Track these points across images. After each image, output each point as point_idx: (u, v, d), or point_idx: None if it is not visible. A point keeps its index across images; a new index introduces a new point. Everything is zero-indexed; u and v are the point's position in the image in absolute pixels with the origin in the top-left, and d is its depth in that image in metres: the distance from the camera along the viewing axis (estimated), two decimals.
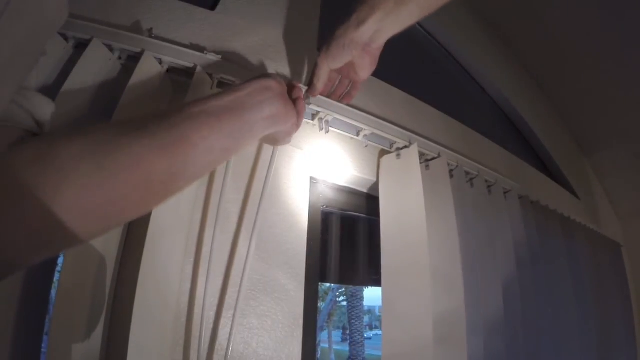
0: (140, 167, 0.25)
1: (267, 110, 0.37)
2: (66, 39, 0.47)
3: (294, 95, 0.43)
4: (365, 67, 0.50)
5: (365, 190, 0.76)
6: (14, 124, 0.25)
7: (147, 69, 0.48)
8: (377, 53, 0.49)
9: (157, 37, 0.51)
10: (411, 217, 0.62)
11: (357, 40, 0.45)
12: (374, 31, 0.44)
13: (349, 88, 0.59)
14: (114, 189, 0.24)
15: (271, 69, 0.64)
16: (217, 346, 0.45)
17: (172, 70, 0.53)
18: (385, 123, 0.69)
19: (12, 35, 0.22)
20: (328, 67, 0.49)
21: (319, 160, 0.65)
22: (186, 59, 0.52)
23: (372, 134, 0.68)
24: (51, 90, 0.43)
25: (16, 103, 0.26)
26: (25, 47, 0.25)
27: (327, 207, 0.72)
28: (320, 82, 0.51)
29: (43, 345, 0.38)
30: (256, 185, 0.55)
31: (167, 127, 0.27)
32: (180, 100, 0.48)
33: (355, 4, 0.44)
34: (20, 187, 0.20)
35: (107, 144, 0.24)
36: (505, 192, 0.90)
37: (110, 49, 0.49)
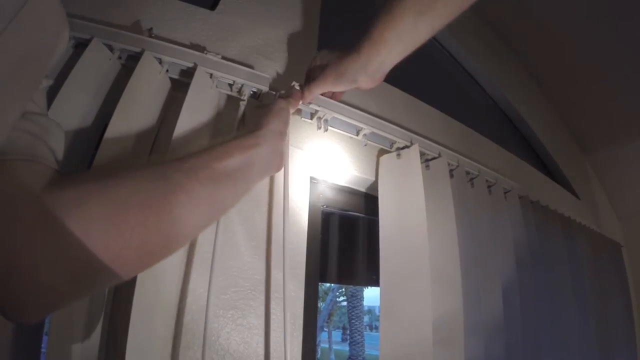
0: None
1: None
2: None
3: None
4: (364, 87, 0.51)
5: (364, 190, 0.76)
6: (36, 158, 0.24)
7: (147, 68, 0.48)
8: (382, 77, 0.49)
9: (157, 37, 0.51)
10: (411, 218, 0.62)
11: (362, 75, 0.47)
12: (379, 63, 0.45)
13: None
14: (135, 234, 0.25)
15: (271, 69, 0.64)
16: (217, 346, 0.45)
17: (172, 70, 0.53)
18: (385, 122, 0.69)
19: (13, 51, 0.22)
20: (321, 91, 0.53)
21: (318, 160, 0.65)
22: (186, 58, 0.52)
23: (372, 133, 0.68)
24: (50, 90, 0.43)
25: (29, 132, 0.25)
26: (27, 67, 0.24)
27: (327, 207, 0.72)
28: (307, 101, 0.55)
29: (43, 345, 0.38)
30: (256, 186, 0.55)
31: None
32: (179, 100, 0.48)
33: (361, 39, 0.45)
34: (61, 228, 0.22)
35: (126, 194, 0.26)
36: (505, 192, 0.90)
37: (110, 48, 0.48)
